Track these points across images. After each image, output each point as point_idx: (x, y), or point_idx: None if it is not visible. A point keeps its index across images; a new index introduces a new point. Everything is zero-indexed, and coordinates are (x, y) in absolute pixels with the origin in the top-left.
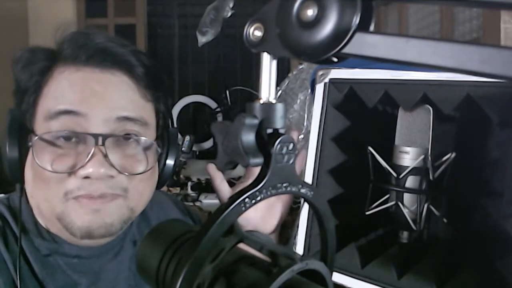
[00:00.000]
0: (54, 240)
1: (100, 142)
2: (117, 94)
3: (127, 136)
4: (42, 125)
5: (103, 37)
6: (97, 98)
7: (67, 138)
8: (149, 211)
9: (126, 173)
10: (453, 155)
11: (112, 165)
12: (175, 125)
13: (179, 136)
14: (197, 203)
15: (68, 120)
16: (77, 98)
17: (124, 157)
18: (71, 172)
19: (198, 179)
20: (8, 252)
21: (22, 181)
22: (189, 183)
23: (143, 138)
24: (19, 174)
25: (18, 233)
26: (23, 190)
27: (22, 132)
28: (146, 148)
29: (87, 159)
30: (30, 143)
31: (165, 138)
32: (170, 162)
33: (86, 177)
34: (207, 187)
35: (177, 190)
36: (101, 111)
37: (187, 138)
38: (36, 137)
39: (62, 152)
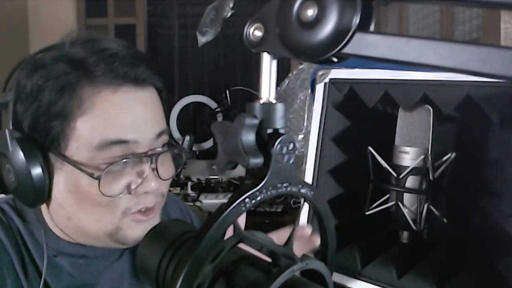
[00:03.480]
0: (61, 241)
1: (154, 161)
2: (153, 111)
3: (165, 150)
4: (89, 154)
5: (124, 49)
6: (142, 122)
7: (123, 162)
8: None
9: (167, 179)
10: (453, 155)
11: (160, 178)
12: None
13: (179, 136)
14: (197, 203)
15: (120, 148)
16: (126, 127)
17: (163, 167)
18: (129, 192)
19: (198, 179)
20: (15, 252)
21: (42, 203)
22: (189, 183)
23: (174, 147)
24: (45, 198)
25: (26, 234)
26: (43, 219)
27: (41, 156)
28: (174, 154)
29: (143, 178)
30: (95, 176)
31: None
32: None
33: (145, 193)
34: (207, 187)
35: (177, 190)
36: (147, 134)
37: (187, 138)
38: (103, 171)
39: (117, 176)
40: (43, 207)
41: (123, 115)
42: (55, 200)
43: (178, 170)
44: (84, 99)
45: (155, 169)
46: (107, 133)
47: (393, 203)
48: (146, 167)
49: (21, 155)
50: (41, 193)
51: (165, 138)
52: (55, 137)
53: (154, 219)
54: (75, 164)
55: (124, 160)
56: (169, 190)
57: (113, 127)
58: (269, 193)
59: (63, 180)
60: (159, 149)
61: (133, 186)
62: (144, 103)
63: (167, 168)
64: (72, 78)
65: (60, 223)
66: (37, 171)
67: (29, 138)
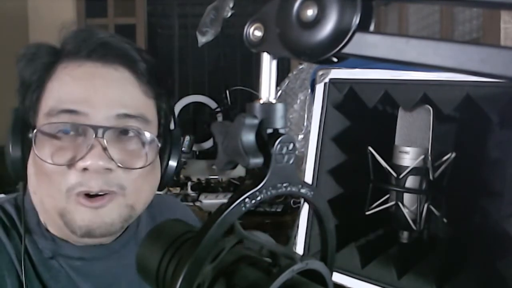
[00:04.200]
0: (56, 241)
1: (100, 134)
2: (118, 90)
3: (126, 130)
4: (42, 121)
5: (105, 33)
6: (98, 97)
7: (67, 131)
8: (159, 216)
9: (124, 167)
10: (453, 155)
11: (111, 158)
12: (176, 125)
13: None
14: (197, 203)
15: (69, 117)
16: (79, 97)
17: (123, 152)
18: (71, 164)
19: (198, 179)
20: (15, 252)
21: (25, 179)
22: (189, 183)
23: (144, 132)
24: (21, 172)
25: (22, 230)
26: (25, 189)
27: (24, 130)
28: (146, 144)
29: (86, 151)
30: (30, 136)
31: (167, 139)
32: (172, 163)
33: (85, 169)
34: (207, 187)
35: (177, 190)
36: (102, 110)
37: (187, 138)
38: (35, 130)
39: (62, 145)
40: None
41: (79, 87)
42: (28, 174)
43: (148, 163)
44: (53, 72)
45: (105, 148)
46: (59, 101)
47: (393, 203)
48: (91, 140)
49: (10, 129)
50: (17, 165)
51: (135, 124)
52: (28, 108)
53: (104, 210)
54: (30, 129)
55: (62, 127)
56: (169, 190)
57: (66, 97)
58: (269, 193)
59: (32, 151)
60: (113, 127)
61: (76, 159)
62: (109, 81)
63: (129, 155)
64: (50, 54)
65: (34, 201)
66: (15, 144)
67: (20, 115)
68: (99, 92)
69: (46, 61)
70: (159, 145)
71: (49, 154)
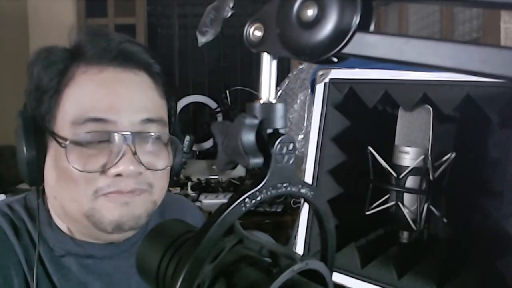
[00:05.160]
0: (67, 240)
1: (130, 141)
2: (140, 96)
3: (151, 134)
4: (68, 129)
5: (120, 37)
6: (123, 104)
7: (97, 139)
8: (169, 216)
9: (152, 169)
10: (453, 155)
11: (140, 162)
12: (177, 125)
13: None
14: (197, 203)
15: (96, 126)
16: (104, 105)
17: (149, 154)
18: (102, 171)
19: (198, 179)
20: (23, 253)
21: (40, 183)
22: (189, 183)
23: (165, 135)
24: (37, 176)
25: (36, 234)
26: (39, 192)
27: (37, 133)
28: (166, 145)
29: (118, 158)
30: (62, 145)
31: (175, 135)
32: (177, 160)
33: (118, 175)
34: (207, 187)
35: (177, 190)
36: (127, 116)
37: (187, 138)
38: (68, 141)
39: (91, 153)
40: (48, 202)
41: (104, 95)
42: (46, 178)
43: (174, 164)
44: (71, 77)
45: (135, 153)
46: (86, 109)
47: (393, 203)
48: (121, 147)
49: (21, 133)
50: (32, 169)
51: (156, 127)
52: (44, 113)
53: (133, 204)
54: (53, 136)
55: (92, 133)
56: (169, 190)
57: (92, 105)
58: (269, 193)
59: (50, 156)
60: (141, 132)
61: (108, 167)
62: (130, 85)
63: (154, 157)
64: (66, 59)
65: (51, 204)
66: (29, 148)
67: (32, 119)
68: (123, 98)
69: (62, 66)
70: (177, 146)
71: (81, 162)
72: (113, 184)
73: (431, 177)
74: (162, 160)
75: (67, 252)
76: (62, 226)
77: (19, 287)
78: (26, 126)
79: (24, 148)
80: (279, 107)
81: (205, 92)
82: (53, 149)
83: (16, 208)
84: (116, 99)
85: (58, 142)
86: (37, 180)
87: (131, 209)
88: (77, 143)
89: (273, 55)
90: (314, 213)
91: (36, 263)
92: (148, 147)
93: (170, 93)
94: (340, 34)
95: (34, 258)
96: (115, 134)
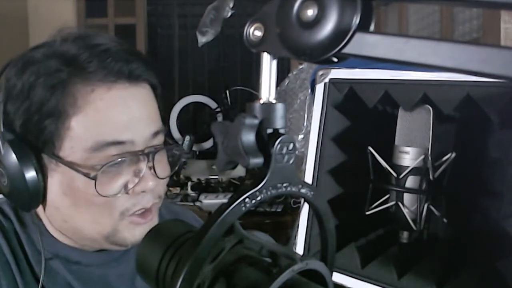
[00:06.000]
0: (56, 244)
1: (150, 159)
2: (149, 109)
3: (162, 147)
4: (85, 155)
5: (118, 46)
6: (137, 120)
7: (122, 162)
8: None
9: (164, 178)
10: (453, 155)
11: (157, 176)
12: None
13: (179, 136)
14: (197, 203)
15: (116, 149)
16: (122, 126)
17: (159, 165)
18: (125, 192)
19: (198, 179)
20: (12, 254)
21: (38, 205)
22: (189, 183)
23: (171, 146)
24: (40, 200)
25: (23, 236)
26: (37, 217)
27: (37, 158)
28: (169, 153)
29: (141, 176)
30: (91, 176)
31: None
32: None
33: (142, 192)
34: (207, 187)
35: (177, 190)
36: (142, 133)
37: (187, 138)
38: (100, 170)
39: (112, 175)
40: (40, 208)
41: (118, 115)
42: (51, 203)
43: (175, 169)
44: (77, 97)
45: (152, 168)
46: (103, 133)
47: (393, 203)
48: (143, 166)
49: (13, 157)
50: (36, 196)
51: (161, 137)
52: (48, 137)
53: (152, 221)
54: (70, 165)
55: (120, 160)
56: (169, 190)
57: (109, 128)
58: (269, 193)
59: (57, 181)
60: (156, 147)
61: (130, 186)
62: (139, 100)
63: (164, 167)
64: (64, 75)
65: (57, 225)
66: (30, 173)
67: (21, 139)
68: (136, 115)
69: (58, 79)
70: (177, 153)
71: (104, 187)
72: (137, 202)
73: (431, 177)
74: (168, 168)
75: (55, 255)
76: (54, 233)
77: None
78: (22, 152)
79: (25, 176)
80: (279, 107)
81: (205, 92)
82: (59, 174)
83: (5, 209)
84: (130, 117)
85: (76, 170)
86: (38, 203)
87: (149, 226)
88: (96, 169)
89: (273, 55)
90: (314, 213)
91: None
92: (158, 159)
93: (162, 99)
94: (340, 34)
95: (23, 260)
96: (138, 155)
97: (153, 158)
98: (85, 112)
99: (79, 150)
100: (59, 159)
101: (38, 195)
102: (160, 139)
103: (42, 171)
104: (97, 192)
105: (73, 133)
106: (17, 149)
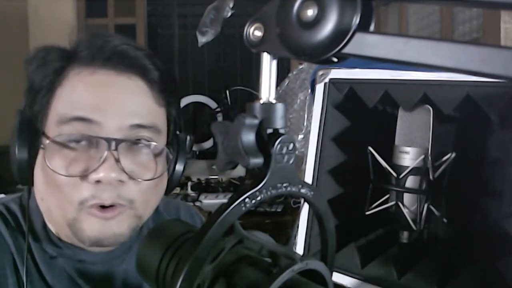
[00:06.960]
0: (59, 243)
1: (113, 147)
2: (132, 100)
3: (138, 141)
4: (54, 129)
5: (119, 40)
6: (111, 106)
7: (80, 142)
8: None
9: (135, 178)
10: (453, 155)
11: (123, 170)
12: (182, 130)
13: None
14: (197, 203)
15: (81, 126)
16: (91, 105)
17: (134, 163)
18: (83, 176)
19: (198, 179)
20: (18, 253)
21: (31, 184)
22: (189, 183)
23: (153, 143)
24: (28, 176)
25: (26, 234)
26: (30, 193)
27: (32, 133)
28: (157, 155)
29: (99, 164)
30: (42, 146)
31: (174, 143)
32: (179, 167)
33: (98, 181)
34: (207, 187)
35: (177, 190)
36: (115, 119)
37: (187, 138)
38: (48, 141)
39: (74, 156)
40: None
41: (91, 95)
42: (35, 178)
43: (158, 175)
44: (64, 77)
45: (118, 159)
46: (70, 108)
47: (393, 203)
48: (104, 153)
49: (15, 132)
50: (23, 169)
51: (148, 134)
52: (37, 112)
53: (114, 222)
54: (43, 136)
55: (75, 137)
56: None
57: (78, 104)
58: (269, 193)
59: (40, 158)
60: (127, 138)
61: (88, 171)
62: (121, 89)
63: (141, 166)
64: (62, 59)
65: (40, 205)
66: (21, 147)
67: (28, 119)
68: (112, 101)
69: (57, 65)
70: (171, 156)
71: (61, 165)
72: (96, 194)
73: (431, 177)
74: (150, 171)
75: (59, 254)
76: (51, 228)
77: (14, 286)
78: (21, 125)
79: (16, 148)
80: (279, 107)
81: (205, 92)
82: (43, 150)
83: (12, 208)
84: (104, 101)
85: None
86: (28, 180)
87: (112, 227)
88: (60, 144)
89: (273, 55)
90: (314, 213)
91: (26, 258)
92: (135, 156)
93: (171, 100)
94: (340, 34)
95: (28, 258)
96: (99, 138)
97: (116, 148)
98: (65, 90)
99: (52, 124)
100: (40, 134)
101: (24, 169)
102: (143, 134)
103: (34, 148)
104: (46, 163)
105: (53, 109)
106: (20, 125)
